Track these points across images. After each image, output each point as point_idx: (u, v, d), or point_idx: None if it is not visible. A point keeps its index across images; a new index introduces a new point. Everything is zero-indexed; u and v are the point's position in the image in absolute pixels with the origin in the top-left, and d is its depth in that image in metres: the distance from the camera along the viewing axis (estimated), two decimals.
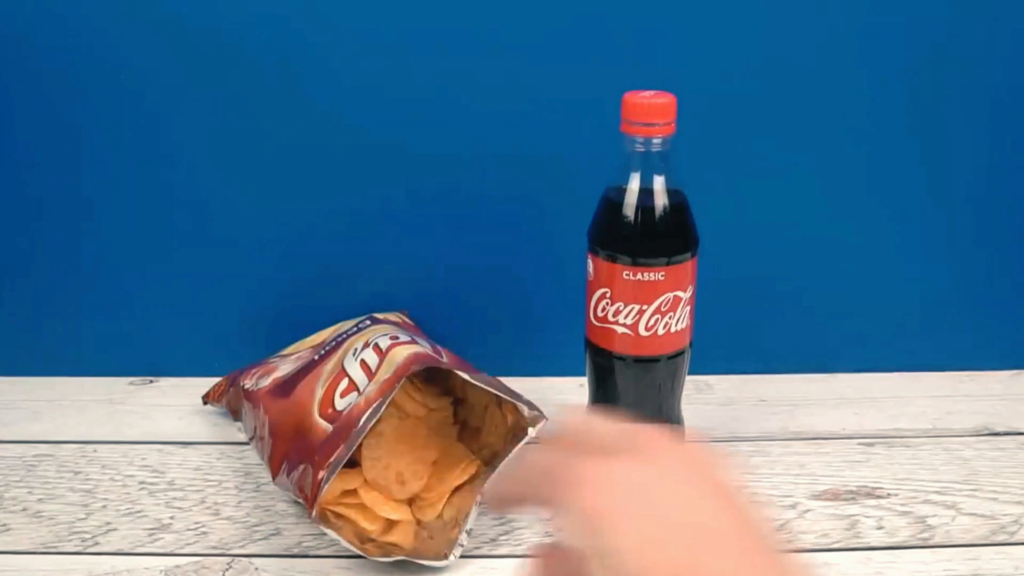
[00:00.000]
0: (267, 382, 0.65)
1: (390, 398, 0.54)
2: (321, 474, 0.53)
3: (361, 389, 0.57)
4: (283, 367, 0.66)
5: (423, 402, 0.62)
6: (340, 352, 0.62)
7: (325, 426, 0.56)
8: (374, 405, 0.54)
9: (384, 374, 0.56)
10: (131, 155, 0.72)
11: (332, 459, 0.53)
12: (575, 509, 0.29)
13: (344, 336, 0.65)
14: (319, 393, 0.59)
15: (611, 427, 0.33)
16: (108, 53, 0.69)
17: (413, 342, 0.59)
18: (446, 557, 0.55)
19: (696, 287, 0.59)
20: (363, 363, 0.58)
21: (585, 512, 0.29)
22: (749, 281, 0.75)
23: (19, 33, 0.69)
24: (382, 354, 0.58)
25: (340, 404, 0.57)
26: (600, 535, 0.28)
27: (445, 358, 0.59)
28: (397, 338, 0.60)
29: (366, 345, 0.60)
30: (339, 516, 0.57)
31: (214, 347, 0.76)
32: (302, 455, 0.55)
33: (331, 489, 0.56)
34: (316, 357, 0.64)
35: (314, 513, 0.52)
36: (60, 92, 0.70)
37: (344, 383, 0.58)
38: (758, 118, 0.71)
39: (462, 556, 0.56)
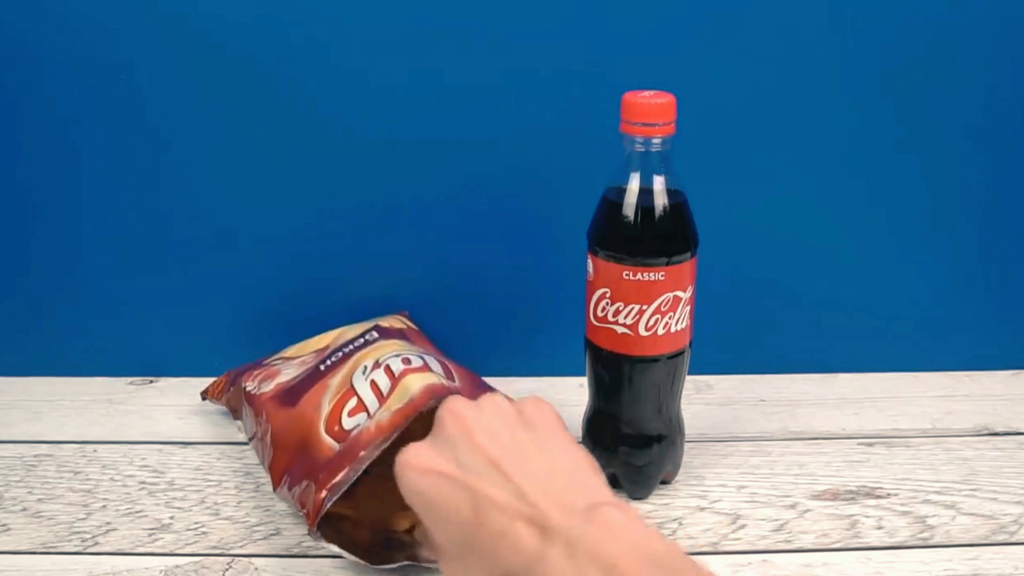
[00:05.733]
0: (270, 387, 0.64)
1: (401, 430, 0.54)
2: (324, 494, 0.53)
3: (371, 411, 0.57)
4: (286, 371, 0.66)
5: None
6: (348, 367, 0.62)
7: (331, 444, 0.56)
8: (384, 435, 0.54)
9: (397, 402, 0.56)
10: (130, 155, 0.72)
11: (336, 480, 0.53)
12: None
13: (351, 347, 0.64)
14: (326, 409, 0.59)
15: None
16: (107, 54, 0.69)
17: (425, 367, 0.59)
18: None
19: (696, 287, 0.59)
20: (373, 384, 0.58)
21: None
22: (749, 281, 0.75)
23: (19, 33, 0.69)
24: (394, 379, 0.58)
25: (348, 423, 0.57)
26: None
27: (455, 376, 0.59)
28: (409, 361, 0.60)
29: (376, 365, 0.60)
30: (341, 518, 0.57)
31: (214, 347, 0.76)
32: (305, 471, 0.56)
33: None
34: (322, 367, 0.63)
35: (315, 529, 0.53)
36: (59, 93, 0.70)
37: (352, 402, 0.58)
38: (758, 118, 0.71)
39: None
